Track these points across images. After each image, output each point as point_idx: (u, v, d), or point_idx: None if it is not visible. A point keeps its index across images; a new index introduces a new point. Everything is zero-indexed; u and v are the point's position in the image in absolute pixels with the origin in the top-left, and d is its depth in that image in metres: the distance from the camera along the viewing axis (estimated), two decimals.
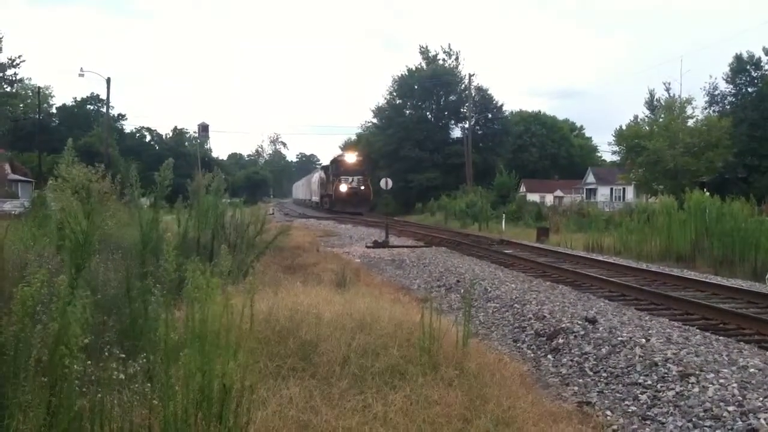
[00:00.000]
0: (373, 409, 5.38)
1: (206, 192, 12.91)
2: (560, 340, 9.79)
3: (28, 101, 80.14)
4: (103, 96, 63.94)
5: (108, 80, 58.18)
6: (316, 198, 77.12)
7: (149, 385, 4.46)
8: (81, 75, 57.23)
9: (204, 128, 71.02)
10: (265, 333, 6.86)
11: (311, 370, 6.20)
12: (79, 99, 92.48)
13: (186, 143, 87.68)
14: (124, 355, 4.76)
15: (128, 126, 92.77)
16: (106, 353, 4.86)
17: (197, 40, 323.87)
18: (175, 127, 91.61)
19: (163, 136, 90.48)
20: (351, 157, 63.19)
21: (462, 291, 14.59)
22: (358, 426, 5.11)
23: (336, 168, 62.74)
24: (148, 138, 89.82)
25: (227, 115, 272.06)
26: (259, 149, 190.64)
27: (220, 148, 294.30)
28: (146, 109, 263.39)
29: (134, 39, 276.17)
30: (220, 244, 12.32)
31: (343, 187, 60.03)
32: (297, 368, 6.24)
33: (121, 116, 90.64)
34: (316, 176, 78.81)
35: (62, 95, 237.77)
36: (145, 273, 6.40)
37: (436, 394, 5.86)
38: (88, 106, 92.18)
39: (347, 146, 71.09)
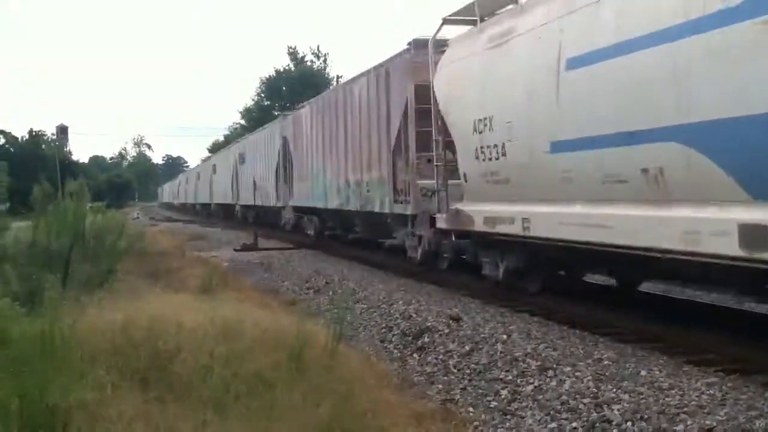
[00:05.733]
0: (232, 421, 5.23)
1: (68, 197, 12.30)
2: (426, 339, 9.90)
3: None
4: None
5: None
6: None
7: None
8: None
9: (63, 130, 67.55)
10: (120, 346, 6.54)
11: (168, 383, 5.96)
12: None
13: (43, 146, 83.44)
14: None
15: None
16: None
17: (55, 38, 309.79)
18: (31, 130, 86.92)
19: (19, 139, 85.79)
20: None
21: (330, 293, 14.55)
22: None
23: None
24: (2, 141, 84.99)
25: (88, 117, 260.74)
26: (123, 152, 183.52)
27: (80, 150, 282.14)
28: None
29: None
30: (79, 253, 11.73)
31: None
32: (152, 381, 5.99)
33: None
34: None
35: None
36: None
37: (301, 403, 5.76)
38: None
39: None
